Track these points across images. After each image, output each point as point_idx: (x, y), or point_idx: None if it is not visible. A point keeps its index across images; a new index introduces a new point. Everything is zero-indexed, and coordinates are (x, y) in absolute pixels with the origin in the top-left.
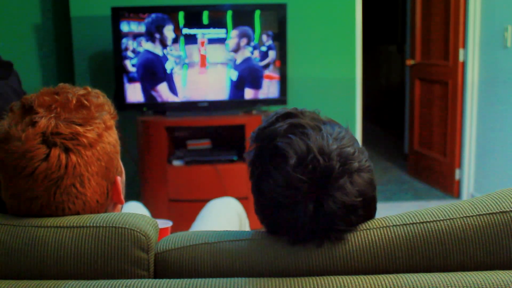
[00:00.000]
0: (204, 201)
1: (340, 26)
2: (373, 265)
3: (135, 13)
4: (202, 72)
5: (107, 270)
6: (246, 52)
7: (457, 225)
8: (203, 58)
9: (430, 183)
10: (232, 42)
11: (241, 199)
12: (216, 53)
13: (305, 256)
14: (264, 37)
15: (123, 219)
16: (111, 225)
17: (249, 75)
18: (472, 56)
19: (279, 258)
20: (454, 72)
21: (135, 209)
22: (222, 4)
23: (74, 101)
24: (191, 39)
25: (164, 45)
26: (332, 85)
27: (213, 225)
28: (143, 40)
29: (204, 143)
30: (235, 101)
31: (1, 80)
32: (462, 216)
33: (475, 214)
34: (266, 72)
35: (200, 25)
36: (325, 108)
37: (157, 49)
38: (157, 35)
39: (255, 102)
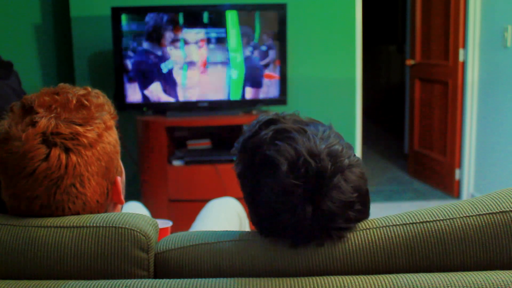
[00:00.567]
0: (204, 201)
1: (340, 26)
2: (373, 265)
3: (135, 13)
4: (202, 72)
5: (107, 270)
6: (246, 52)
7: (457, 225)
8: (203, 58)
9: (430, 183)
10: (232, 42)
11: (241, 199)
12: (216, 53)
13: (305, 256)
14: (264, 37)
15: (123, 219)
16: (111, 225)
17: (249, 75)
18: (472, 56)
19: (279, 258)
20: (454, 72)
21: (135, 209)
22: (222, 4)
23: (74, 101)
24: (191, 39)
25: (164, 45)
26: (332, 85)
27: (213, 225)
28: (143, 40)
29: (204, 143)
30: (235, 101)
31: (1, 80)
32: (462, 216)
33: (475, 214)
34: (266, 72)
35: (200, 25)
36: (325, 108)
37: (157, 49)
38: (157, 35)
39: (255, 102)
